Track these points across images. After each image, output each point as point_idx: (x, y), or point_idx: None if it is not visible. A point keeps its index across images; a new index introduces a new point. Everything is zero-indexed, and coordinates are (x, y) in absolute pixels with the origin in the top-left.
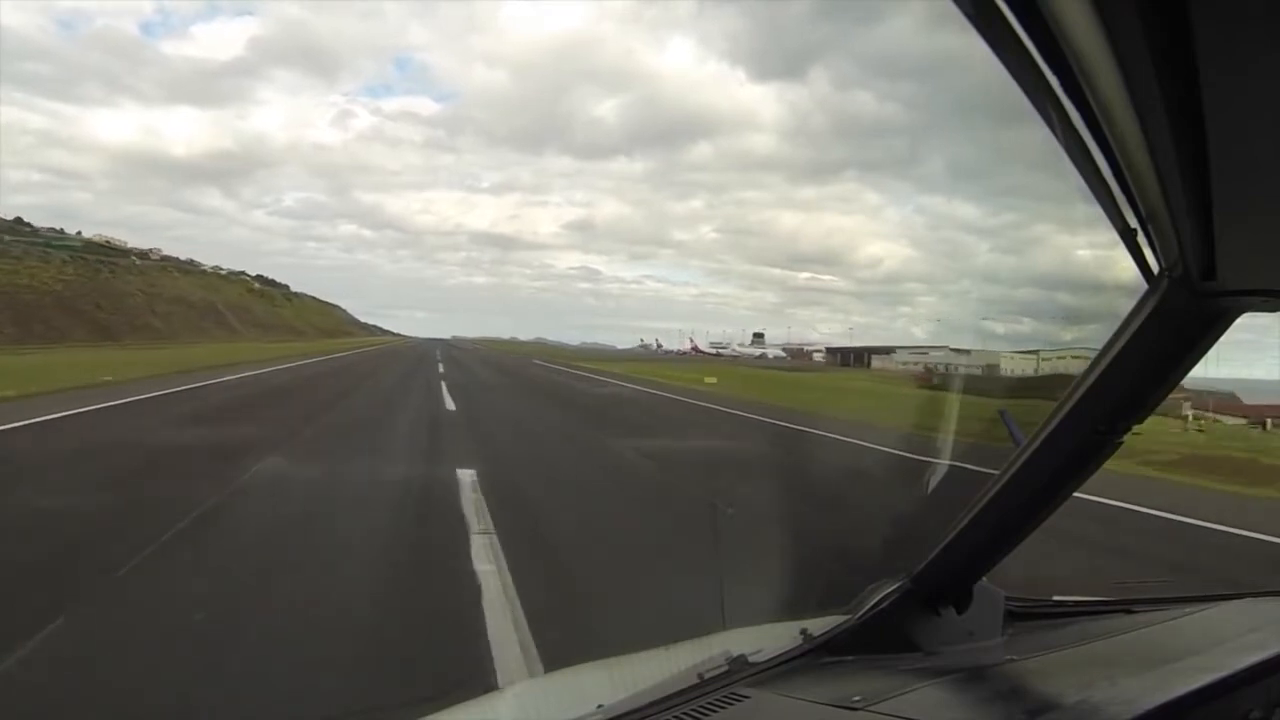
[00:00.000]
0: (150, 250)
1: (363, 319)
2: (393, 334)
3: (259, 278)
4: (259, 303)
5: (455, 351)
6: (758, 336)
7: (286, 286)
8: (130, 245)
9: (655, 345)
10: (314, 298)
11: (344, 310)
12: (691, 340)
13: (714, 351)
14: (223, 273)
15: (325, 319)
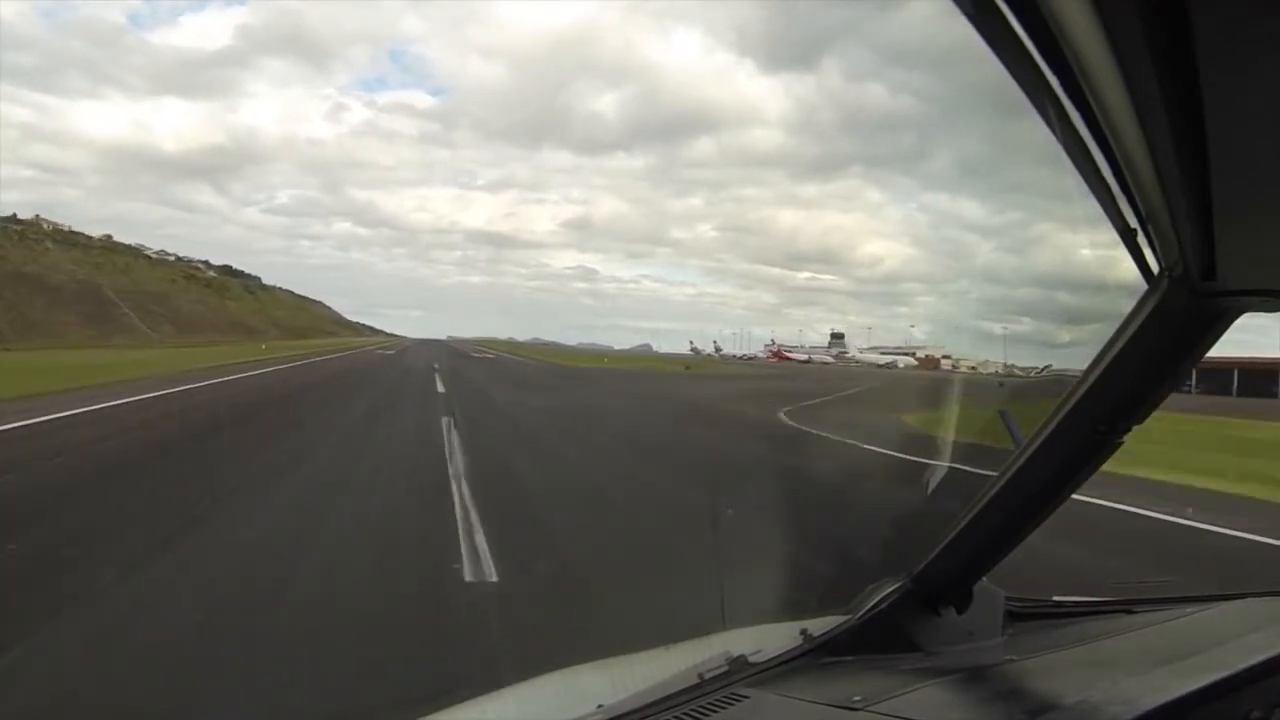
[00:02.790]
0: (39, 218)
1: (354, 317)
2: (385, 334)
3: (225, 268)
4: (199, 293)
5: (477, 370)
6: (836, 338)
7: (258, 278)
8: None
9: (715, 350)
10: (290, 292)
11: (328, 307)
12: (774, 343)
13: (803, 358)
14: (170, 259)
15: (299, 316)
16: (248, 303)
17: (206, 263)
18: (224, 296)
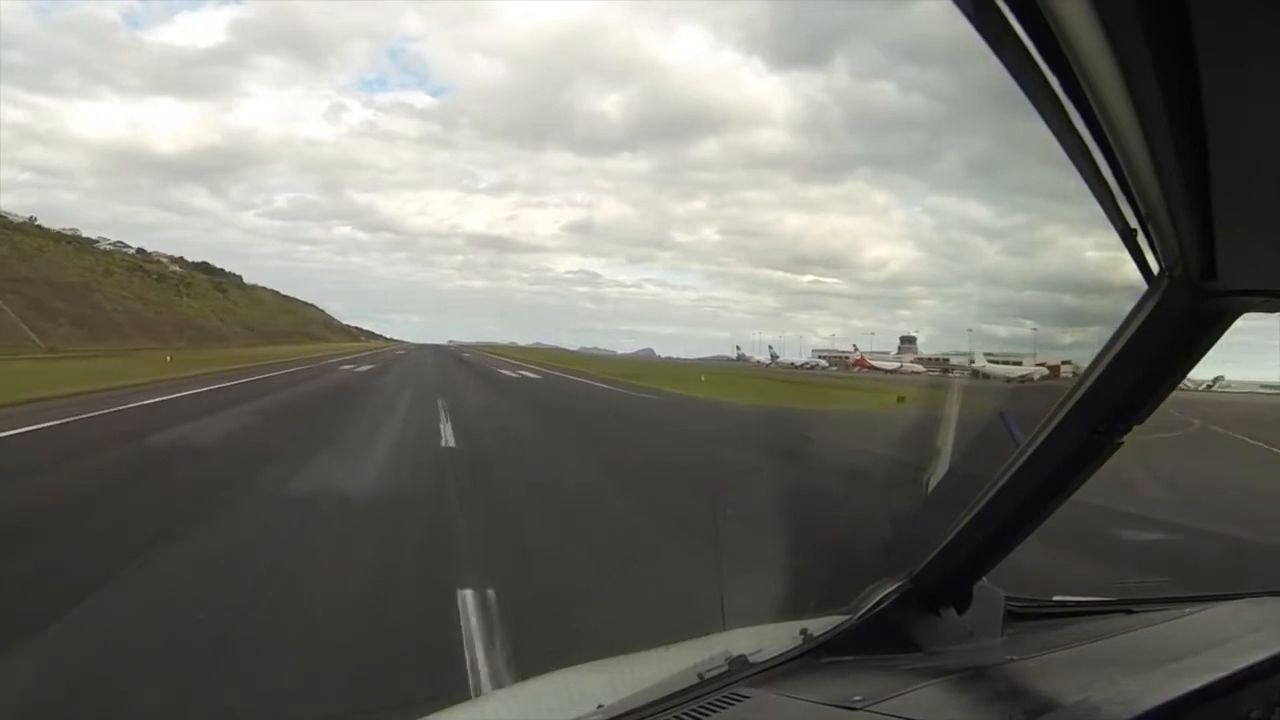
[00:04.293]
0: None
1: (354, 322)
2: (385, 338)
3: (201, 264)
4: (141, 289)
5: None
6: (907, 342)
7: (237, 276)
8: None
9: (771, 357)
10: (275, 292)
11: (320, 310)
12: (855, 349)
13: (890, 366)
14: (129, 250)
15: (281, 319)
16: (212, 302)
17: (181, 259)
18: (182, 294)
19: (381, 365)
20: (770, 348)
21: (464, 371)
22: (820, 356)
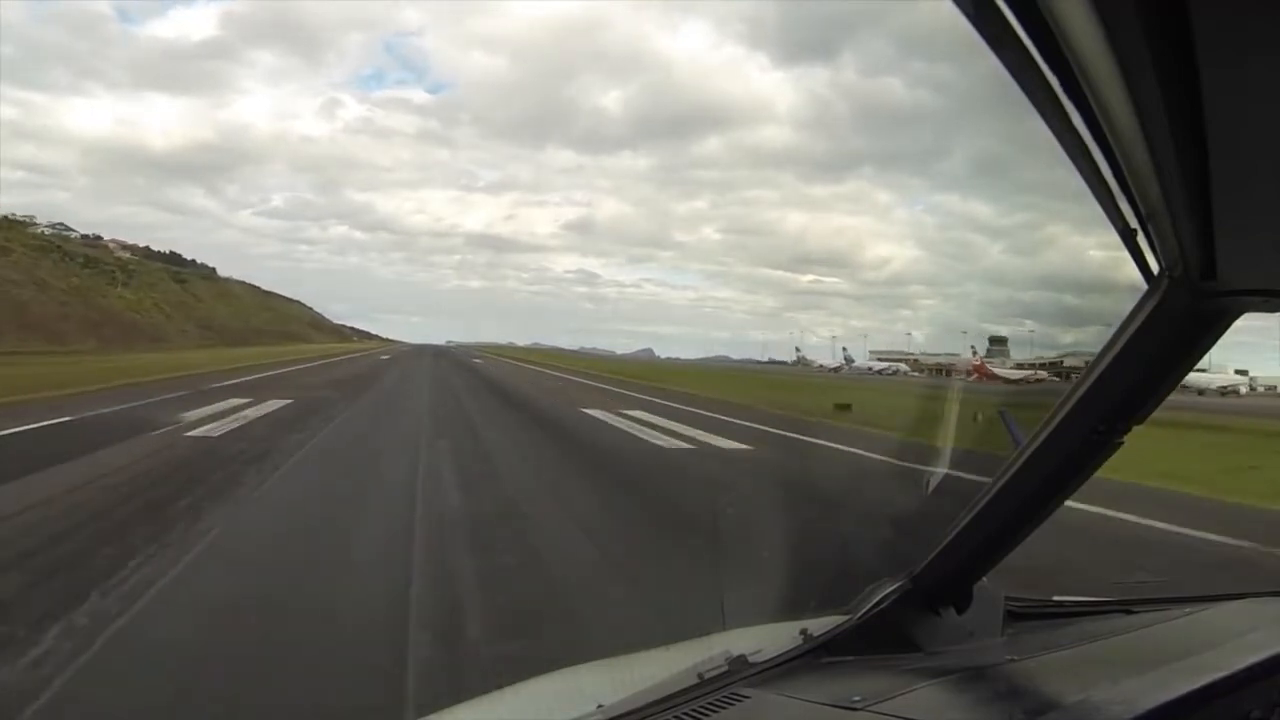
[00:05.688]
0: None
1: (350, 322)
2: (380, 339)
3: (168, 254)
4: (50, 275)
5: None
6: (997, 343)
7: (209, 268)
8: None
9: (844, 360)
10: (254, 287)
11: (306, 308)
12: (974, 352)
13: (1016, 375)
14: (72, 235)
15: (257, 316)
16: (159, 294)
17: (146, 247)
18: (117, 283)
19: (298, 406)
20: (844, 349)
21: (488, 394)
22: (879, 359)
